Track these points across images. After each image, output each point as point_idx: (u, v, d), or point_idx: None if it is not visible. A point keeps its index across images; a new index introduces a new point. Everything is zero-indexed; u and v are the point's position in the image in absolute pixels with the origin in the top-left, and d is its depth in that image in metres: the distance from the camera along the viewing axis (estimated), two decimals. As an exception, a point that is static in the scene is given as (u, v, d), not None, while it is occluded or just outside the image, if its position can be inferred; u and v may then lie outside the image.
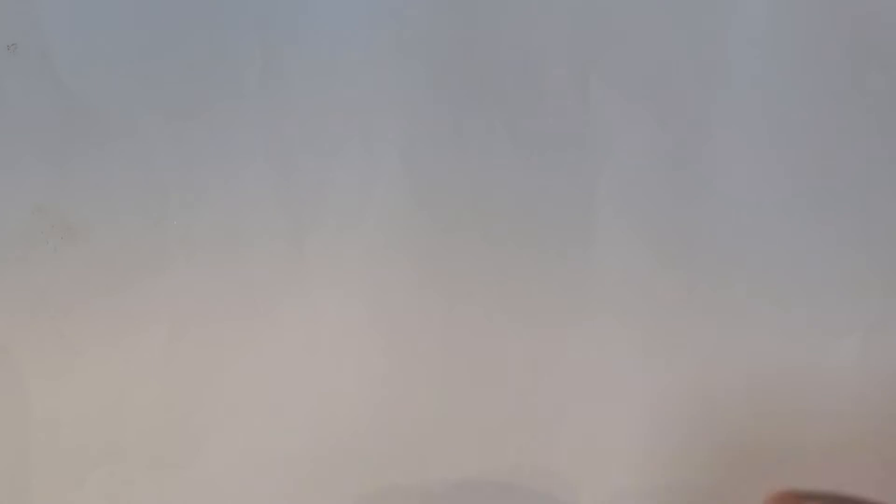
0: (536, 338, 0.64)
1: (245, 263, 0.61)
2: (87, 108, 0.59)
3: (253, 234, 0.61)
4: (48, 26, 0.59)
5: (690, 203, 0.64)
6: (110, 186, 0.60)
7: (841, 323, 0.65)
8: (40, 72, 0.59)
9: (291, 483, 0.63)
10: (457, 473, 0.64)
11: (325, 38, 0.61)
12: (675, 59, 0.63)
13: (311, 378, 0.62)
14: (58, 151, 0.59)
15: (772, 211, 0.64)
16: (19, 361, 0.60)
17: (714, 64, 0.64)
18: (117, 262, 0.60)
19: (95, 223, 0.60)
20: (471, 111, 0.62)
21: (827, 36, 0.64)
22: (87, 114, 0.59)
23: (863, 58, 0.64)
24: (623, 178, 0.64)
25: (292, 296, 0.62)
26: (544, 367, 0.64)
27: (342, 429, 0.63)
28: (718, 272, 0.64)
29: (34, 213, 0.59)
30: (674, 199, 0.64)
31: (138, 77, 0.60)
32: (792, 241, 0.65)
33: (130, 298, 0.60)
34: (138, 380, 0.61)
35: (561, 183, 0.63)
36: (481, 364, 0.64)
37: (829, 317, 0.65)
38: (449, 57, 0.62)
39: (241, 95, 0.60)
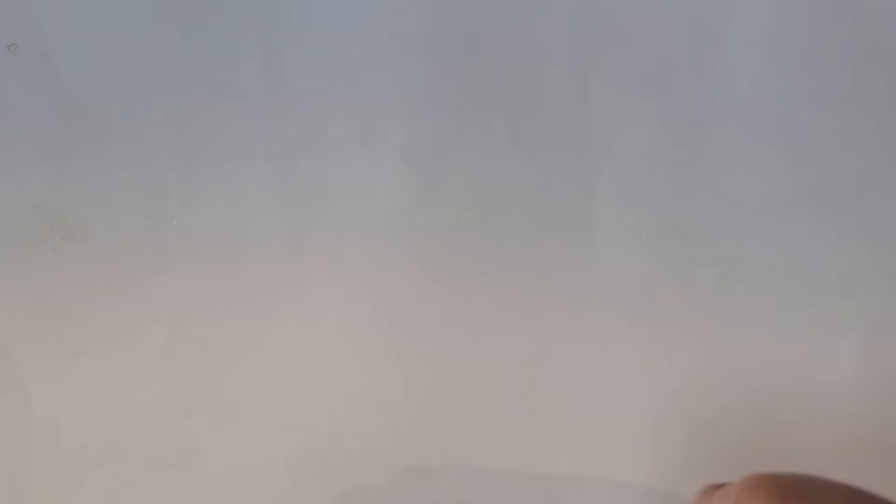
0: (536, 337, 0.64)
1: (245, 263, 0.61)
2: (87, 108, 0.59)
3: (253, 234, 0.61)
4: (48, 26, 0.59)
5: (690, 203, 0.64)
6: (110, 186, 0.60)
7: (841, 323, 0.65)
8: (40, 72, 0.59)
9: (291, 483, 0.63)
10: (457, 473, 0.64)
11: (325, 38, 0.61)
12: (675, 59, 0.63)
13: (311, 378, 0.62)
14: (58, 151, 0.59)
15: (772, 211, 0.65)
16: (19, 361, 0.60)
17: (714, 64, 0.64)
18: (117, 262, 0.60)
19: (95, 223, 0.60)
20: (471, 111, 0.62)
21: (827, 36, 0.64)
22: (87, 114, 0.59)
23: (863, 58, 0.64)
24: (623, 178, 0.64)
25: (292, 296, 0.62)
26: (544, 366, 0.64)
27: (342, 429, 0.63)
28: (718, 272, 0.64)
29: (34, 213, 0.59)
30: (674, 199, 0.64)
31: (138, 77, 0.60)
32: (792, 241, 0.65)
33: (130, 298, 0.60)
34: (138, 380, 0.61)
35: (561, 183, 0.63)
36: (481, 364, 0.64)
37: (829, 317, 0.65)
38: (449, 57, 0.62)
39: (241, 95, 0.60)
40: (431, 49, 0.62)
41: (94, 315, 0.60)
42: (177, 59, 0.60)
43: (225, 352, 0.61)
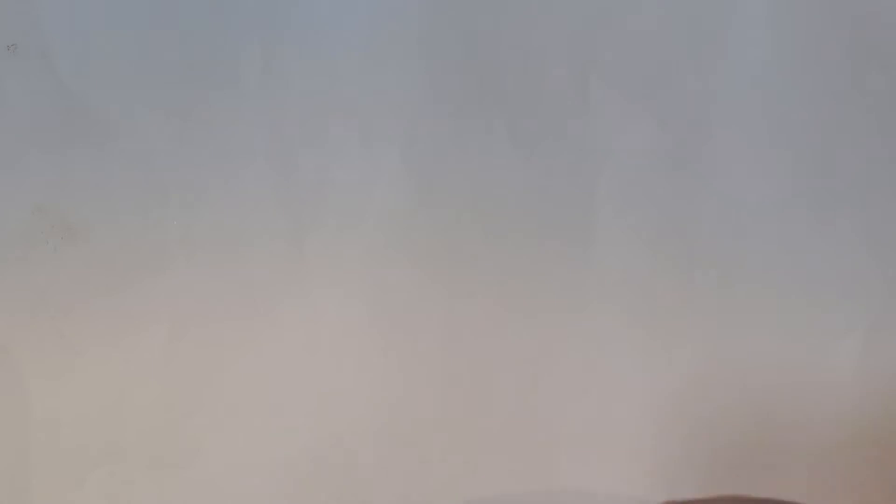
0: (536, 337, 0.64)
1: (245, 263, 0.61)
2: (87, 108, 0.59)
3: (253, 234, 0.61)
4: (48, 27, 0.59)
5: (690, 203, 0.64)
6: (110, 186, 0.60)
7: (841, 323, 0.65)
8: (40, 72, 0.59)
9: (291, 483, 0.63)
10: (457, 473, 0.64)
11: (325, 38, 0.61)
12: (675, 59, 0.63)
13: (311, 378, 0.62)
14: (58, 151, 0.59)
15: (772, 211, 0.65)
16: (19, 361, 0.60)
17: (714, 64, 0.64)
18: (117, 262, 0.60)
19: (95, 223, 0.60)
20: (471, 111, 0.62)
21: (827, 36, 0.64)
22: (87, 114, 0.59)
23: (863, 58, 0.64)
24: (623, 178, 0.64)
25: (292, 296, 0.62)
26: (544, 366, 0.64)
27: (342, 429, 0.63)
28: (718, 272, 0.64)
29: (34, 213, 0.59)
30: (674, 199, 0.64)
31: (138, 77, 0.60)
32: (792, 241, 0.65)
33: (130, 298, 0.60)
34: (138, 380, 0.61)
35: (561, 183, 0.63)
36: (481, 364, 0.63)
37: (829, 317, 0.65)
38: (449, 57, 0.62)
39: (241, 95, 0.60)
40: (431, 49, 0.62)
41: (94, 315, 0.60)
42: (177, 59, 0.60)
43: (225, 352, 0.61)
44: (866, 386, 0.66)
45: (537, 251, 0.63)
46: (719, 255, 0.64)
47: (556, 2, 0.62)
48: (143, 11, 0.59)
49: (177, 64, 0.60)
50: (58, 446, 0.60)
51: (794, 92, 0.64)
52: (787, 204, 0.65)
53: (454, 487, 0.64)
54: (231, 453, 0.62)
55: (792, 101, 0.64)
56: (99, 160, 0.60)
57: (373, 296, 0.62)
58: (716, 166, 0.64)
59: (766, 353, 0.65)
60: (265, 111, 0.61)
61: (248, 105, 0.61)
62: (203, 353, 0.61)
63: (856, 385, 0.66)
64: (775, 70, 0.64)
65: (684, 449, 0.65)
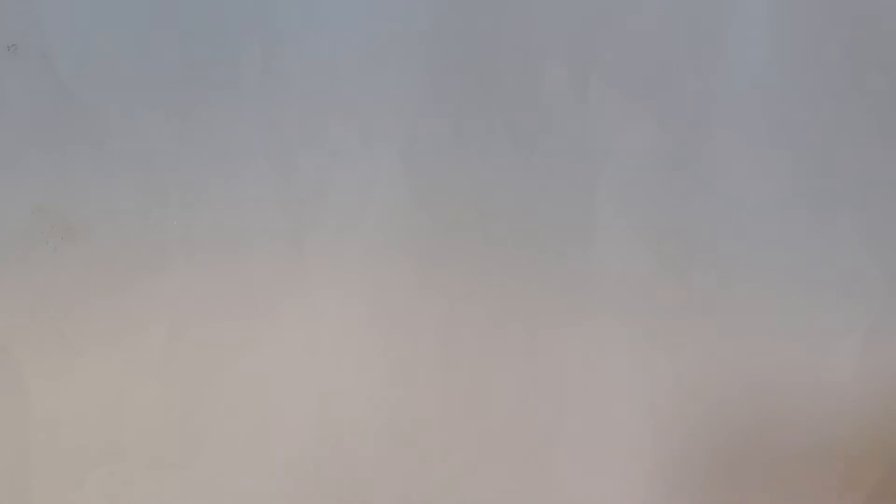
0: (536, 338, 0.64)
1: (245, 263, 0.61)
2: (87, 108, 0.59)
3: (253, 234, 0.61)
4: (48, 27, 0.59)
5: (690, 203, 0.64)
6: (110, 186, 0.60)
7: (841, 323, 0.65)
8: (40, 72, 0.59)
9: (291, 483, 0.63)
10: (457, 473, 0.64)
11: (325, 38, 0.61)
12: (675, 59, 0.63)
13: (311, 378, 0.62)
14: (58, 151, 0.59)
15: (771, 211, 0.65)
16: (19, 361, 0.60)
17: (714, 64, 0.64)
18: (117, 262, 0.60)
19: (95, 223, 0.60)
20: (471, 111, 0.62)
21: (827, 36, 0.64)
22: (87, 114, 0.59)
23: (863, 58, 0.64)
24: (623, 178, 0.64)
25: (292, 296, 0.62)
26: (544, 367, 0.64)
27: (342, 429, 0.63)
28: (718, 272, 0.64)
29: (34, 213, 0.59)
30: (674, 199, 0.64)
31: (138, 77, 0.60)
32: (792, 241, 0.65)
33: (130, 298, 0.60)
34: (138, 380, 0.61)
35: (561, 183, 0.63)
36: (481, 364, 0.63)
37: (829, 317, 0.65)
38: (449, 57, 0.62)
39: (241, 95, 0.60)
40: (431, 49, 0.62)
41: (94, 315, 0.60)
42: (177, 59, 0.60)
43: (225, 352, 0.61)
44: (866, 386, 0.66)
45: (537, 251, 0.63)
46: (719, 255, 0.64)
47: (556, 2, 0.62)
48: (143, 11, 0.59)
49: (177, 64, 0.60)
50: (58, 446, 0.60)
51: (794, 92, 0.64)
52: (787, 204, 0.65)
53: (454, 487, 0.64)
54: (231, 453, 0.62)
55: (792, 101, 0.64)
56: (99, 160, 0.60)
57: (373, 296, 0.62)
58: (716, 166, 0.64)
59: (766, 353, 0.65)
60: (265, 111, 0.61)
61: (248, 105, 0.61)
62: (203, 353, 0.61)
63: (856, 385, 0.66)
64: (775, 70, 0.64)
65: (684, 449, 0.65)
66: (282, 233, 0.61)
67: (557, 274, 0.63)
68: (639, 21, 0.63)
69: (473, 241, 0.63)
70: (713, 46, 0.63)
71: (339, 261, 0.62)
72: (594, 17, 0.63)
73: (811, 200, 0.65)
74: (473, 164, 0.62)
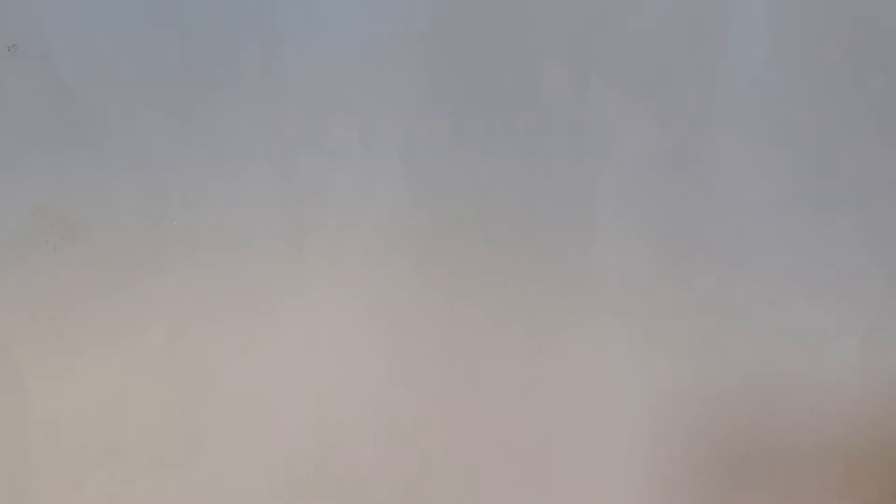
0: (536, 338, 0.64)
1: (245, 263, 0.61)
2: (87, 108, 0.59)
3: (253, 234, 0.61)
4: (48, 27, 0.59)
5: (690, 203, 0.64)
6: (110, 186, 0.60)
7: (841, 323, 0.65)
8: (41, 72, 0.59)
9: (291, 483, 0.63)
10: (457, 473, 0.64)
11: (325, 38, 0.61)
12: (675, 59, 0.63)
13: (311, 378, 0.62)
14: (58, 151, 0.59)
15: (771, 211, 0.65)
16: (19, 361, 0.60)
17: (714, 64, 0.64)
18: (117, 262, 0.60)
19: (95, 223, 0.60)
20: (471, 111, 0.62)
21: (827, 36, 0.64)
22: (87, 114, 0.59)
23: (863, 58, 0.64)
24: (623, 178, 0.64)
25: (292, 296, 0.62)
26: (544, 366, 0.64)
27: (342, 429, 0.63)
28: (718, 272, 0.64)
29: (34, 214, 0.59)
30: (674, 199, 0.64)
31: (138, 77, 0.60)
32: (792, 241, 0.65)
33: (130, 298, 0.60)
34: (138, 380, 0.61)
35: (561, 183, 0.63)
36: (481, 364, 0.63)
37: (829, 317, 0.65)
38: (449, 57, 0.62)
39: (241, 95, 0.60)
40: (431, 49, 0.62)
41: (94, 315, 0.60)
42: (177, 59, 0.60)
43: (225, 352, 0.61)
44: (866, 386, 0.66)
45: (537, 251, 0.63)
46: (719, 255, 0.64)
47: (556, 2, 0.62)
48: (143, 11, 0.59)
49: (177, 64, 0.60)
50: (58, 446, 0.60)
51: (794, 92, 0.64)
52: (787, 204, 0.65)
53: (454, 487, 0.64)
54: (231, 453, 0.62)
55: (792, 101, 0.64)
56: (99, 160, 0.60)
57: (373, 296, 0.62)
58: (716, 166, 0.64)
59: (766, 353, 0.65)
60: (265, 111, 0.61)
61: (248, 105, 0.61)
62: (203, 353, 0.61)
63: (856, 385, 0.66)
64: (775, 70, 0.64)
65: (684, 449, 0.65)
66: (282, 233, 0.61)
67: (557, 274, 0.63)
68: (639, 21, 0.63)
69: (473, 241, 0.63)
70: (713, 46, 0.63)
71: (339, 261, 0.62)
72: (594, 17, 0.63)
73: (811, 200, 0.65)
74: (473, 164, 0.62)
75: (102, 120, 0.59)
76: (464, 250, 0.63)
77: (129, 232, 0.60)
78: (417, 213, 0.62)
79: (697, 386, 0.65)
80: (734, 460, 0.65)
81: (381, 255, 0.62)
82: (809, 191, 0.65)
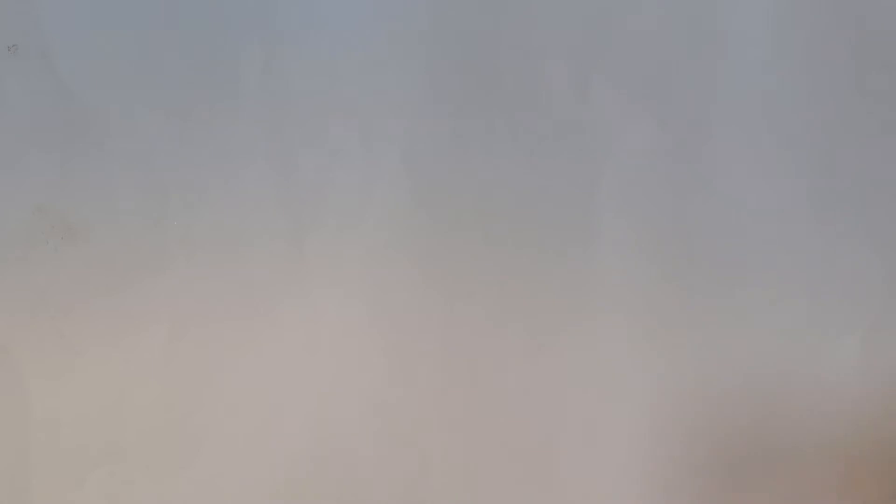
0: (536, 338, 0.64)
1: (245, 263, 0.61)
2: (87, 108, 0.59)
3: (253, 234, 0.61)
4: (48, 27, 0.59)
5: (690, 203, 0.64)
6: (110, 186, 0.60)
7: (841, 323, 0.65)
8: (41, 72, 0.59)
9: (291, 483, 0.63)
10: (457, 473, 0.64)
11: (325, 38, 0.61)
12: (675, 59, 0.63)
13: (311, 378, 0.62)
14: (58, 151, 0.59)
15: (772, 211, 0.64)
16: (19, 361, 0.60)
17: (714, 64, 0.64)
18: (117, 262, 0.60)
19: (95, 223, 0.60)
20: (471, 111, 0.62)
21: (827, 36, 0.64)
22: (87, 114, 0.59)
23: (863, 58, 0.64)
24: (623, 178, 0.64)
25: (292, 296, 0.62)
26: (544, 367, 0.64)
27: (342, 429, 0.63)
28: (718, 272, 0.64)
29: (35, 214, 0.59)
30: (674, 200, 0.64)
31: (138, 77, 0.60)
32: (792, 242, 0.65)
33: (130, 298, 0.60)
34: (138, 380, 0.61)
35: (561, 183, 0.63)
36: (481, 364, 0.63)
37: (829, 317, 0.65)
38: (449, 57, 0.62)
39: (241, 95, 0.60)
40: (431, 49, 0.62)
41: (94, 315, 0.60)
42: (177, 59, 0.60)
43: (225, 352, 0.61)
44: (866, 386, 0.66)
45: (537, 251, 0.63)
46: (719, 255, 0.64)
47: (556, 2, 0.62)
48: (143, 11, 0.59)
49: (177, 64, 0.60)
50: (58, 446, 0.60)
51: (794, 92, 0.64)
52: (787, 204, 0.65)
53: (454, 487, 0.64)
54: (231, 453, 0.62)
55: (792, 102, 0.64)
56: (99, 160, 0.60)
57: (373, 296, 0.62)
58: (716, 166, 0.64)
59: (766, 354, 0.65)
60: (265, 111, 0.61)
61: (248, 105, 0.61)
62: (203, 353, 0.61)
63: (856, 385, 0.66)
64: (775, 70, 0.64)
65: (684, 449, 0.65)
66: (282, 233, 0.61)
67: (557, 274, 0.63)
68: (639, 21, 0.63)
69: (473, 241, 0.63)
70: (713, 46, 0.63)
71: (339, 261, 0.62)
72: (594, 17, 0.63)
73: (811, 200, 0.65)
74: (473, 164, 0.62)
75: (102, 120, 0.59)
76: (464, 250, 0.63)
77: (129, 232, 0.60)
78: (417, 213, 0.62)
79: (697, 386, 0.65)
80: (734, 460, 0.65)
81: (380, 256, 0.62)
82: (810, 191, 0.65)
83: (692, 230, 0.64)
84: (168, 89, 0.60)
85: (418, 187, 0.62)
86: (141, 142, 0.60)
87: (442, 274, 0.63)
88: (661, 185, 0.64)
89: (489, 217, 0.63)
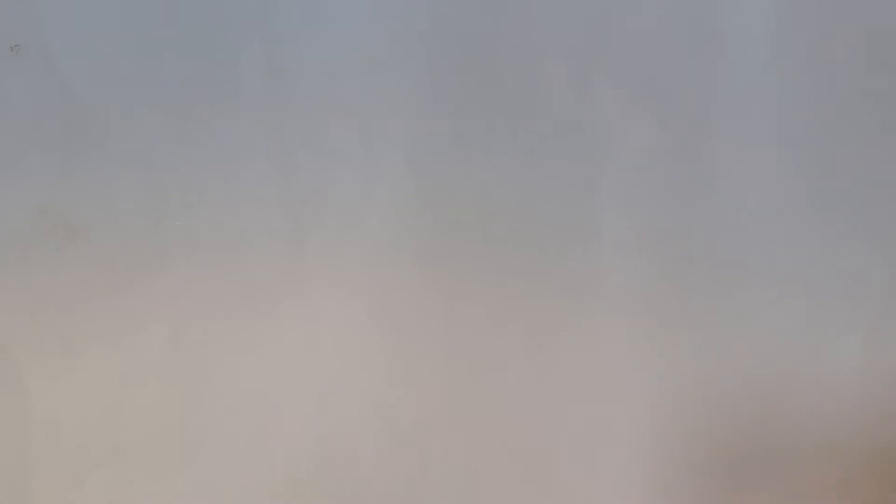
0: (536, 338, 0.64)
1: (245, 263, 0.61)
2: (87, 109, 0.59)
3: (253, 234, 0.61)
4: (49, 27, 0.59)
5: (690, 203, 0.64)
6: (111, 186, 0.60)
7: (841, 323, 0.65)
8: (42, 73, 0.59)
9: (291, 483, 0.63)
10: (457, 473, 0.64)
11: (325, 38, 0.61)
12: (675, 59, 0.63)
13: (311, 378, 0.62)
14: (59, 151, 0.59)
15: (772, 211, 0.64)
16: (19, 361, 0.60)
17: (714, 64, 0.64)
18: (118, 262, 0.60)
19: (95, 223, 0.60)
20: (471, 111, 0.62)
21: (828, 36, 0.64)
22: (88, 114, 0.59)
23: (864, 58, 0.64)
24: (623, 178, 0.64)
25: (292, 296, 0.62)
26: (544, 367, 0.64)
27: (342, 429, 0.63)
28: (718, 272, 0.64)
29: (37, 214, 0.59)
30: (674, 199, 0.64)
31: (138, 77, 0.60)
32: (793, 242, 0.65)
33: (130, 298, 0.60)
34: (138, 380, 0.61)
35: (561, 183, 0.63)
36: (481, 364, 0.63)
37: (829, 317, 0.65)
38: (449, 57, 0.62)
39: (241, 95, 0.60)
40: (431, 49, 0.62)
41: (95, 315, 0.60)
42: (177, 59, 0.60)
43: (225, 352, 0.61)
44: (866, 386, 0.66)
45: (537, 251, 0.63)
46: (720, 256, 0.64)
47: (556, 2, 0.62)
48: (144, 11, 0.59)
49: (177, 64, 0.60)
50: (58, 446, 0.60)
51: (794, 92, 0.64)
52: (787, 204, 0.65)
53: (454, 487, 0.64)
54: (231, 453, 0.62)
55: (792, 102, 0.64)
56: (99, 160, 0.60)
57: (373, 296, 0.62)
58: (716, 166, 0.64)
59: (767, 354, 0.65)
60: (265, 111, 0.61)
61: (248, 105, 0.61)
62: (203, 353, 0.61)
63: (856, 385, 0.66)
64: (775, 70, 0.64)
65: (684, 449, 0.65)
66: (282, 233, 0.61)
67: (558, 274, 0.63)
68: (639, 21, 0.63)
69: (474, 241, 0.63)
70: (713, 46, 0.63)
71: (339, 261, 0.62)
72: (594, 17, 0.63)
73: (812, 200, 0.65)
74: (473, 164, 0.62)
75: (102, 120, 0.59)
76: (464, 250, 0.63)
77: (129, 232, 0.60)
78: (417, 213, 0.62)
79: (697, 386, 0.65)
80: (734, 460, 0.65)
81: (381, 256, 0.62)
82: (810, 191, 0.65)
83: (692, 230, 0.64)
84: (168, 89, 0.60)
85: (418, 187, 0.62)
86: (141, 142, 0.60)
87: (442, 274, 0.63)
88: (661, 185, 0.64)
89: (489, 217, 0.63)
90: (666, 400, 0.65)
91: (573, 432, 0.64)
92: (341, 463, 0.63)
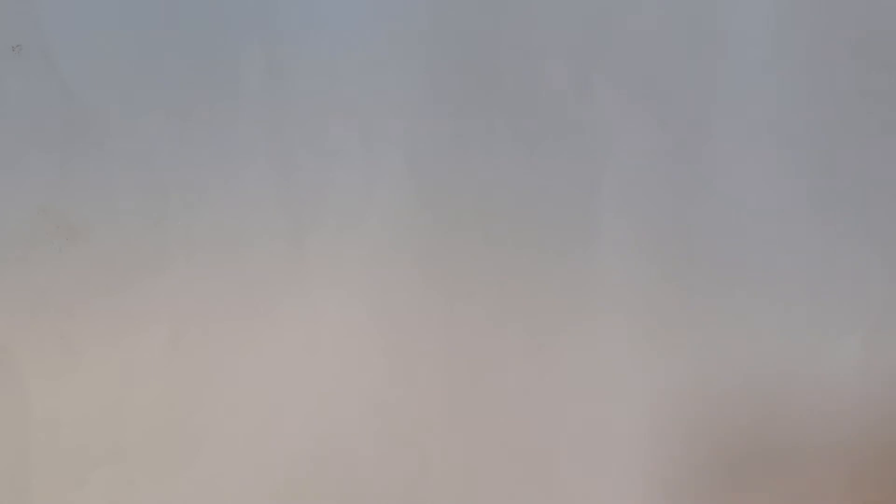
0: (536, 338, 0.64)
1: (245, 263, 0.61)
2: (87, 109, 0.59)
3: (253, 234, 0.61)
4: (49, 28, 0.59)
5: (690, 203, 0.64)
6: (111, 186, 0.60)
7: (841, 323, 0.65)
8: (42, 73, 0.59)
9: (291, 483, 0.63)
10: (457, 473, 0.64)
11: (325, 38, 0.61)
12: (675, 59, 0.63)
13: (311, 378, 0.62)
14: (59, 151, 0.59)
15: (772, 211, 0.64)
16: (19, 361, 0.60)
17: (714, 64, 0.64)
18: (118, 262, 0.60)
19: (96, 223, 0.60)
20: (471, 111, 0.62)
21: (827, 36, 0.64)
22: (88, 114, 0.59)
23: (864, 58, 0.64)
24: (623, 178, 0.64)
25: (292, 296, 0.62)
26: (544, 367, 0.64)
27: (342, 429, 0.63)
28: (718, 272, 0.64)
29: (37, 214, 0.59)
30: (674, 199, 0.64)
31: (138, 77, 0.60)
32: (793, 242, 0.65)
33: (131, 298, 0.60)
34: (139, 380, 0.61)
35: (561, 183, 0.63)
36: (481, 364, 0.63)
37: (829, 317, 0.65)
38: (449, 57, 0.62)
39: (241, 95, 0.60)
40: (431, 49, 0.62)
41: (95, 315, 0.60)
42: (177, 59, 0.60)
43: (225, 352, 0.61)
44: (867, 386, 0.66)
45: (537, 251, 0.63)
46: (719, 255, 0.64)
47: (556, 2, 0.62)
48: (144, 11, 0.59)
49: (177, 64, 0.60)
50: (58, 446, 0.60)
51: (794, 92, 0.64)
52: (787, 204, 0.65)
53: (454, 487, 0.64)
54: (231, 453, 0.62)
55: (792, 102, 0.64)
56: (99, 160, 0.60)
57: (373, 296, 0.62)
58: (716, 166, 0.64)
59: (767, 354, 0.65)
60: (265, 111, 0.61)
61: (248, 105, 0.61)
62: (203, 353, 0.61)
63: (856, 385, 0.66)
64: (775, 70, 0.64)
65: (684, 449, 0.65)
66: (282, 233, 0.61)
67: (558, 274, 0.63)
68: (639, 21, 0.63)
69: (474, 241, 0.63)
70: (713, 46, 0.63)
71: (339, 261, 0.62)
72: (594, 17, 0.63)
73: (812, 201, 0.65)
74: (474, 164, 0.62)
75: (103, 120, 0.59)
76: (464, 250, 0.63)
77: (129, 232, 0.60)
78: (417, 213, 0.62)
79: (697, 386, 0.65)
80: (734, 460, 0.65)
81: (381, 256, 0.62)
82: (810, 191, 0.65)
83: (692, 230, 0.64)
84: (168, 89, 0.60)
85: (418, 187, 0.62)
86: (141, 142, 0.60)
87: (442, 274, 0.63)
88: (661, 185, 0.64)
89: (489, 217, 0.63)
90: (666, 400, 0.65)
91: (573, 432, 0.64)
92: (341, 463, 0.63)
